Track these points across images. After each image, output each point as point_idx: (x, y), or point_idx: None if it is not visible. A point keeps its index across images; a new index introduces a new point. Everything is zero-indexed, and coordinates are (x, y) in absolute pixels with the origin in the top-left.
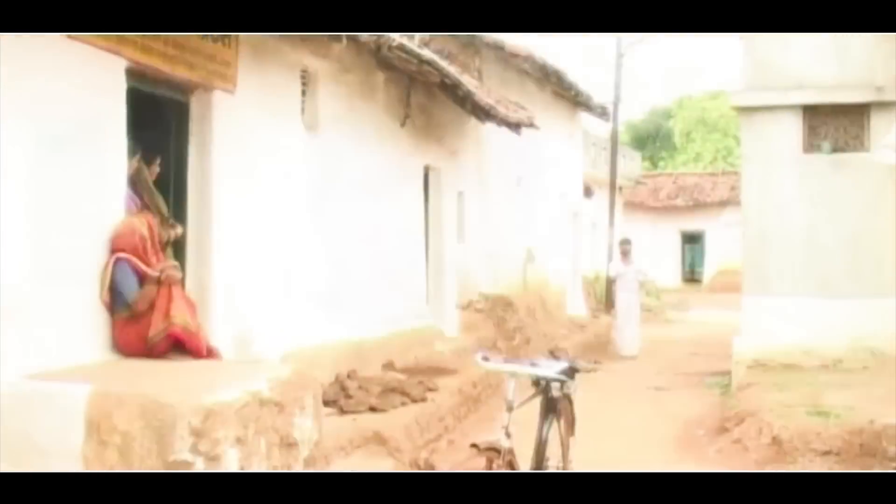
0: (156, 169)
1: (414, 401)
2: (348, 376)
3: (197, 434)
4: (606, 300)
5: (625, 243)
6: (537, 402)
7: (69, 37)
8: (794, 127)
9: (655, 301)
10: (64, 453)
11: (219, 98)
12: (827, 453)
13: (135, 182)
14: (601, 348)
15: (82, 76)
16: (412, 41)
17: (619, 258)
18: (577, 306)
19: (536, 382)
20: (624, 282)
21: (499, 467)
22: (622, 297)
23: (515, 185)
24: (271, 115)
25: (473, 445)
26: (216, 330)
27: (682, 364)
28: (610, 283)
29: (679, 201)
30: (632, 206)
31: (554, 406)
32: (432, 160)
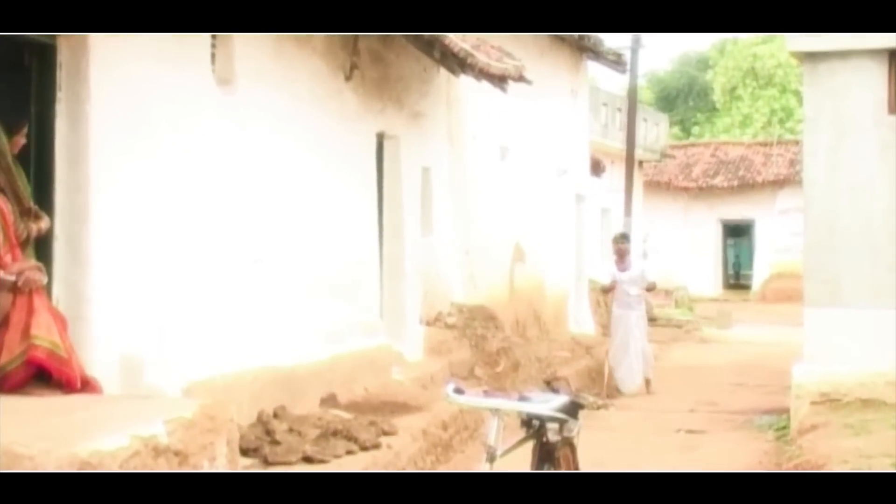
0: (20, 140)
1: (363, 448)
2: (275, 415)
3: None
4: None
5: (620, 241)
6: (528, 449)
7: None
8: (876, 79)
9: (687, 314)
10: None
11: (98, 41)
12: None
13: None
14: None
15: None
16: None
17: (614, 262)
18: (583, 320)
19: (527, 422)
20: (619, 293)
21: None
22: (617, 314)
23: (500, 158)
24: (171, 65)
25: None
26: (95, 354)
27: (724, 398)
28: (605, 294)
29: (719, 180)
30: (656, 186)
31: (550, 454)
32: (388, 126)
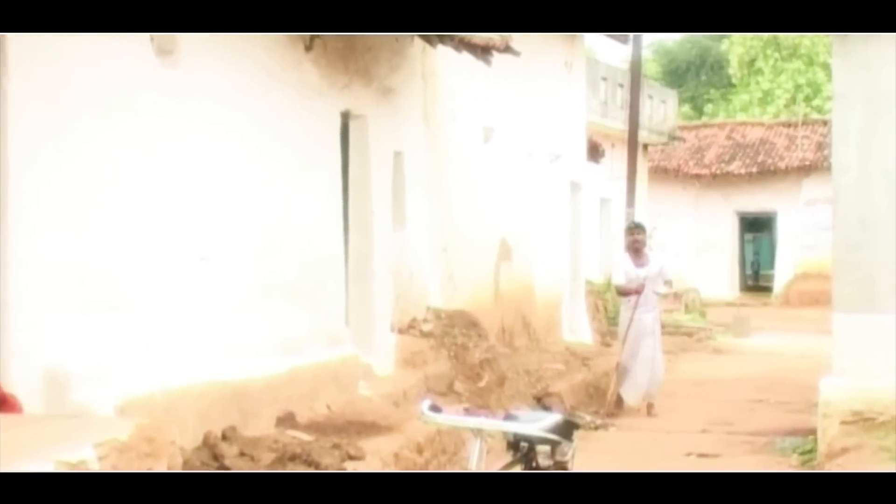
0: None
1: None
2: (224, 437)
3: None
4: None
5: (635, 231)
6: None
7: None
8: None
9: (699, 320)
10: None
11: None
12: None
13: None
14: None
15: None
16: None
17: (628, 255)
18: (579, 328)
19: (515, 445)
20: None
21: None
22: (628, 317)
23: (483, 141)
24: (102, 34)
25: None
26: (13, 367)
27: (741, 417)
28: (625, 291)
29: (736, 167)
30: (663, 173)
31: None
32: (354, 103)
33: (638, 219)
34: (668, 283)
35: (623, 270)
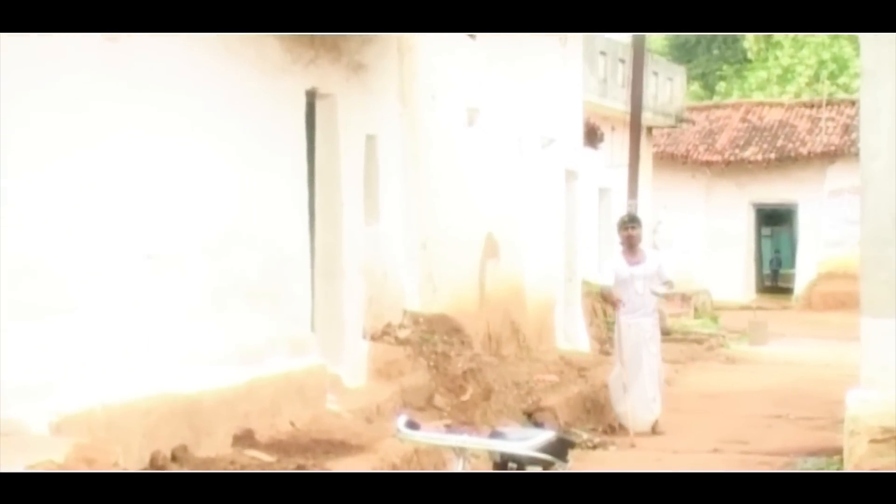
0: None
1: None
2: (174, 458)
3: None
4: None
5: (629, 224)
6: None
7: None
8: None
9: (710, 325)
10: None
11: None
12: None
13: None
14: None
15: None
16: None
17: (621, 253)
18: (574, 334)
19: (502, 465)
20: (631, 295)
21: None
22: (625, 322)
23: (467, 124)
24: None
25: None
26: None
27: (757, 435)
28: (606, 297)
29: (752, 152)
30: (669, 160)
31: None
32: (322, 81)
33: (638, 211)
34: (667, 283)
35: (613, 270)
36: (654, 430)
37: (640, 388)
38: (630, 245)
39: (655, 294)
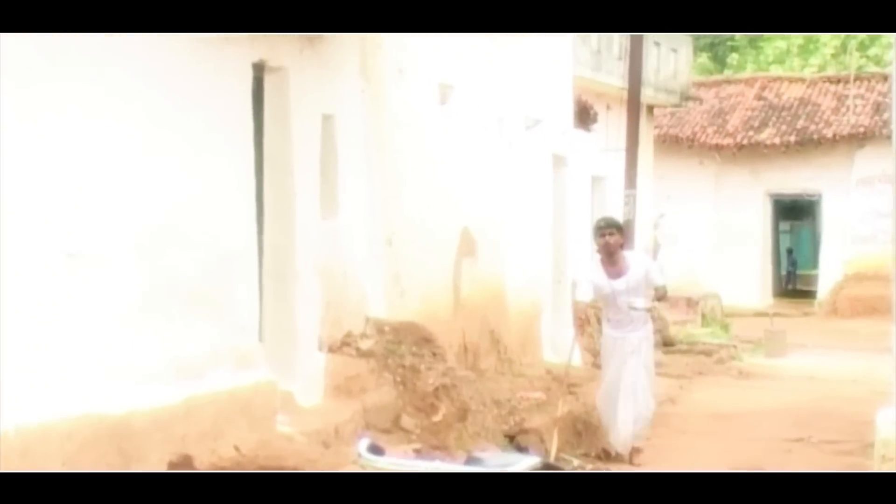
0: None
1: None
2: None
3: None
4: None
5: (606, 231)
6: None
7: None
8: None
9: (720, 335)
10: None
11: None
12: None
13: None
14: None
15: None
16: None
17: (600, 262)
18: (564, 345)
19: None
20: (612, 307)
21: None
22: (610, 336)
23: (439, 103)
24: None
25: None
26: None
27: (775, 460)
28: (582, 311)
29: (769, 135)
30: (674, 144)
31: None
32: (271, 52)
33: (637, 203)
34: (659, 289)
35: (592, 283)
36: (632, 461)
37: (624, 410)
38: (609, 254)
39: (633, 309)
